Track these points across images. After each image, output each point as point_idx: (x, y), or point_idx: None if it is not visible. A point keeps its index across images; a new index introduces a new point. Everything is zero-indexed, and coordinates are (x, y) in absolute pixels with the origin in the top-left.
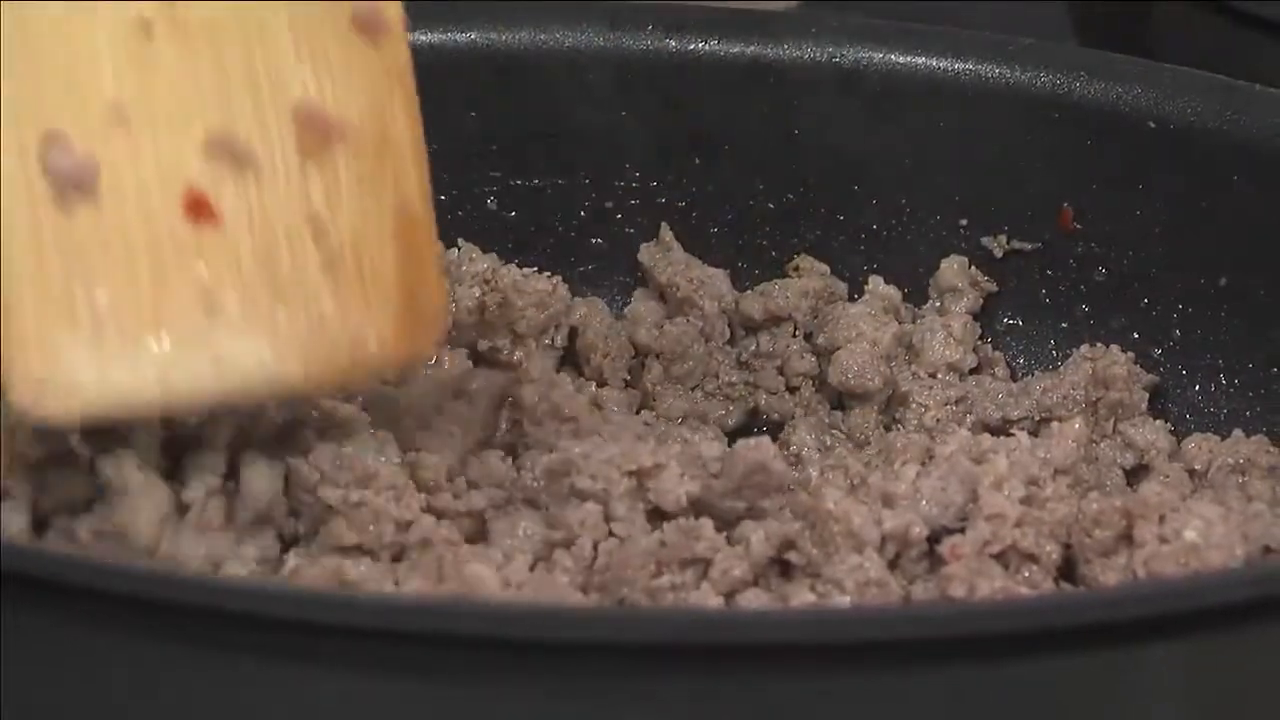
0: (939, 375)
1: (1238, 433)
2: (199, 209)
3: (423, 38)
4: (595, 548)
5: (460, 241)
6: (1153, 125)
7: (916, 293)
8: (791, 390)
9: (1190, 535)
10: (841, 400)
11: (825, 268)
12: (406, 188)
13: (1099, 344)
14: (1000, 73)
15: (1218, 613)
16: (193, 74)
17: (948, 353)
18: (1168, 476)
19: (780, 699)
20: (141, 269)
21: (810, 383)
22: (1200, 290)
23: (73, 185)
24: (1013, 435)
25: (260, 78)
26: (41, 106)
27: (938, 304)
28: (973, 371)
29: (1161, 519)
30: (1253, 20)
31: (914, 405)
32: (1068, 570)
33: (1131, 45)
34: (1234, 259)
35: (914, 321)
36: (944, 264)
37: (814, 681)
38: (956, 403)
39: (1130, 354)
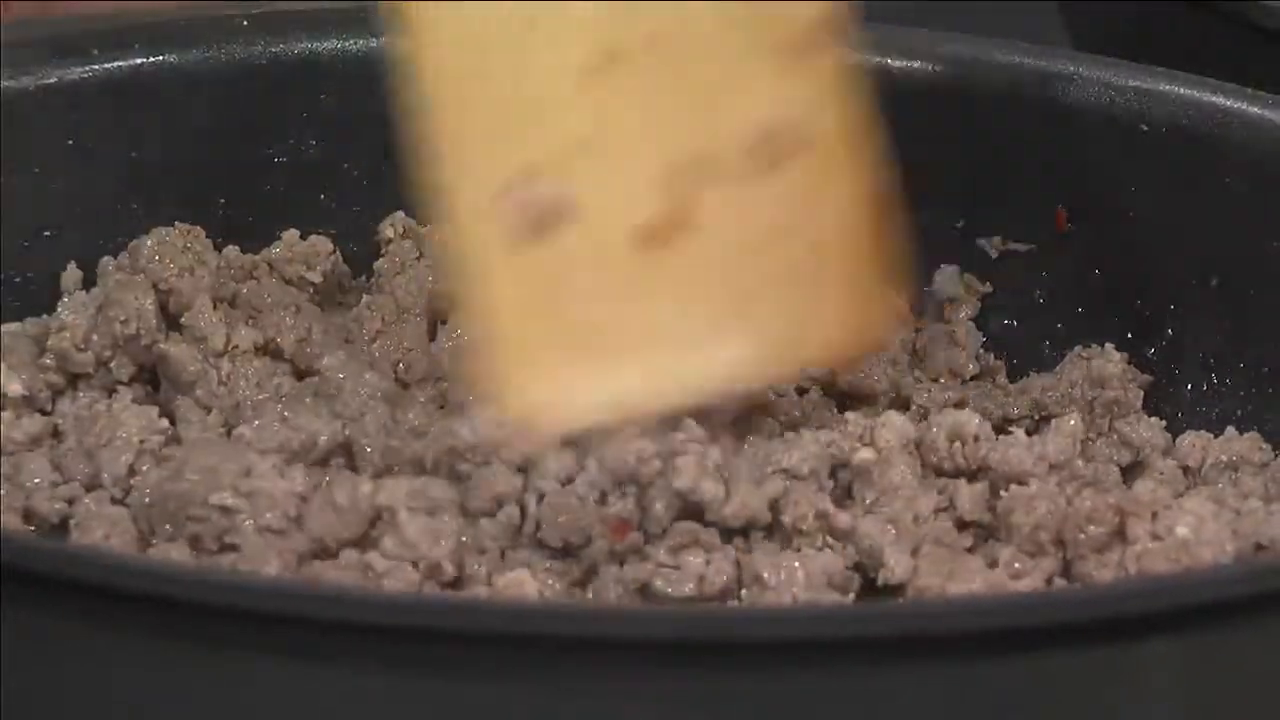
0: (941, 380)
1: (1230, 430)
2: (671, 226)
3: None
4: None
5: None
6: (1145, 128)
7: (913, 292)
8: (801, 392)
9: (1182, 532)
10: (846, 403)
11: None
12: (858, 188)
13: (1093, 344)
14: (994, 75)
15: (1211, 609)
16: (657, 97)
17: (951, 358)
18: (1162, 474)
19: (779, 695)
20: (622, 288)
21: (817, 386)
22: (1192, 290)
23: (547, 216)
24: (1010, 433)
25: (720, 99)
26: (512, 141)
27: (938, 313)
28: (974, 378)
29: (1154, 516)
30: (1243, 23)
31: (915, 407)
32: (1061, 567)
33: (1125, 47)
34: (1226, 260)
35: (916, 331)
36: (937, 275)
37: (810, 678)
38: (956, 405)
39: (1124, 354)
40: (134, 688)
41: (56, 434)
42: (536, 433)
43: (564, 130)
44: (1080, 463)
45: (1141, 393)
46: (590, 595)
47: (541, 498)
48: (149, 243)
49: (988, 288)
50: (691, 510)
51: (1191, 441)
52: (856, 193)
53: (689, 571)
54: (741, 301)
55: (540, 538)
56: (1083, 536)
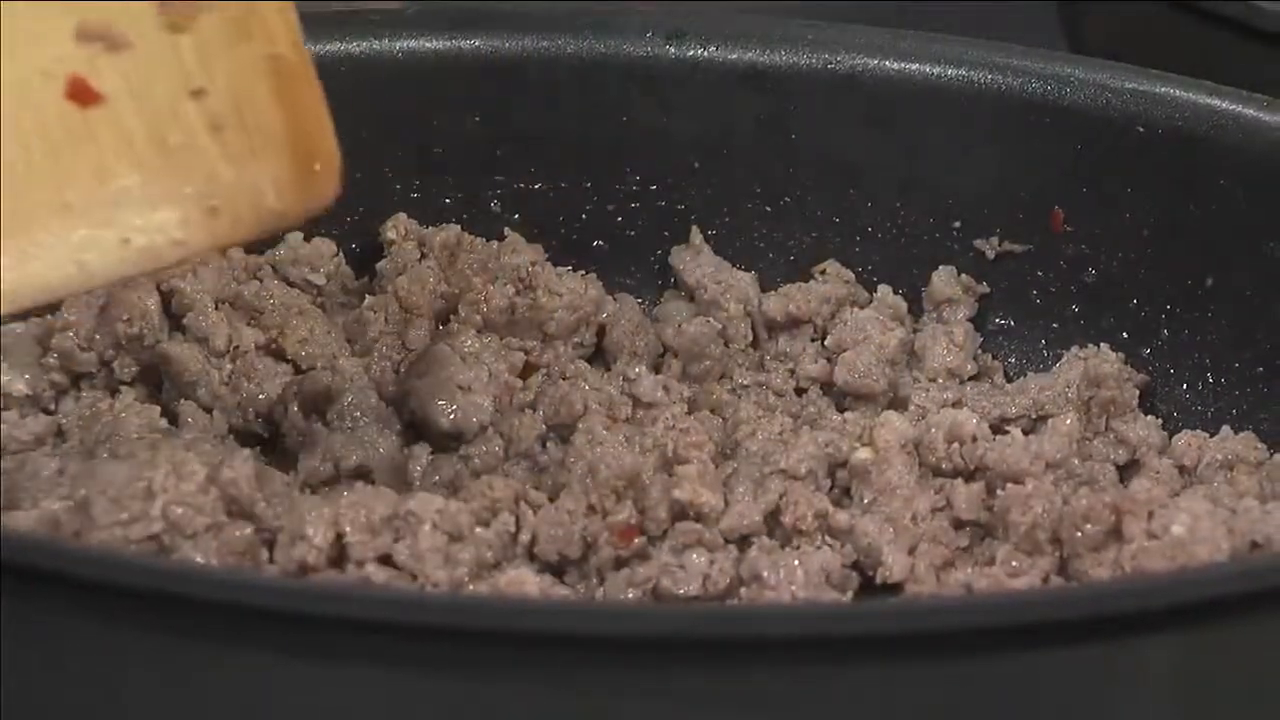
0: (939, 380)
1: (1226, 429)
2: (82, 93)
3: (429, 44)
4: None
5: (507, 232)
6: (1141, 129)
7: (911, 293)
8: (800, 392)
9: (1177, 530)
10: (844, 402)
11: (849, 274)
12: (274, 40)
13: (1090, 344)
14: (992, 78)
15: (1206, 607)
16: None
17: (949, 359)
18: (1158, 472)
19: (778, 692)
20: (39, 161)
21: (817, 386)
22: (1187, 291)
23: None
24: (1007, 433)
25: None
26: None
27: (935, 314)
28: (971, 379)
29: (1150, 515)
30: (1237, 25)
31: (912, 408)
32: (1058, 565)
33: (1120, 49)
34: (1220, 260)
35: (914, 332)
36: (935, 276)
37: (808, 674)
38: (954, 405)
39: (1120, 354)
40: (135, 685)
41: (60, 433)
42: None
43: None
44: (1077, 462)
45: (1137, 392)
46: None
47: (537, 510)
48: None
49: (985, 288)
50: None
51: (1187, 440)
52: (264, 51)
53: (693, 571)
54: (163, 168)
55: (535, 552)
56: (1079, 535)
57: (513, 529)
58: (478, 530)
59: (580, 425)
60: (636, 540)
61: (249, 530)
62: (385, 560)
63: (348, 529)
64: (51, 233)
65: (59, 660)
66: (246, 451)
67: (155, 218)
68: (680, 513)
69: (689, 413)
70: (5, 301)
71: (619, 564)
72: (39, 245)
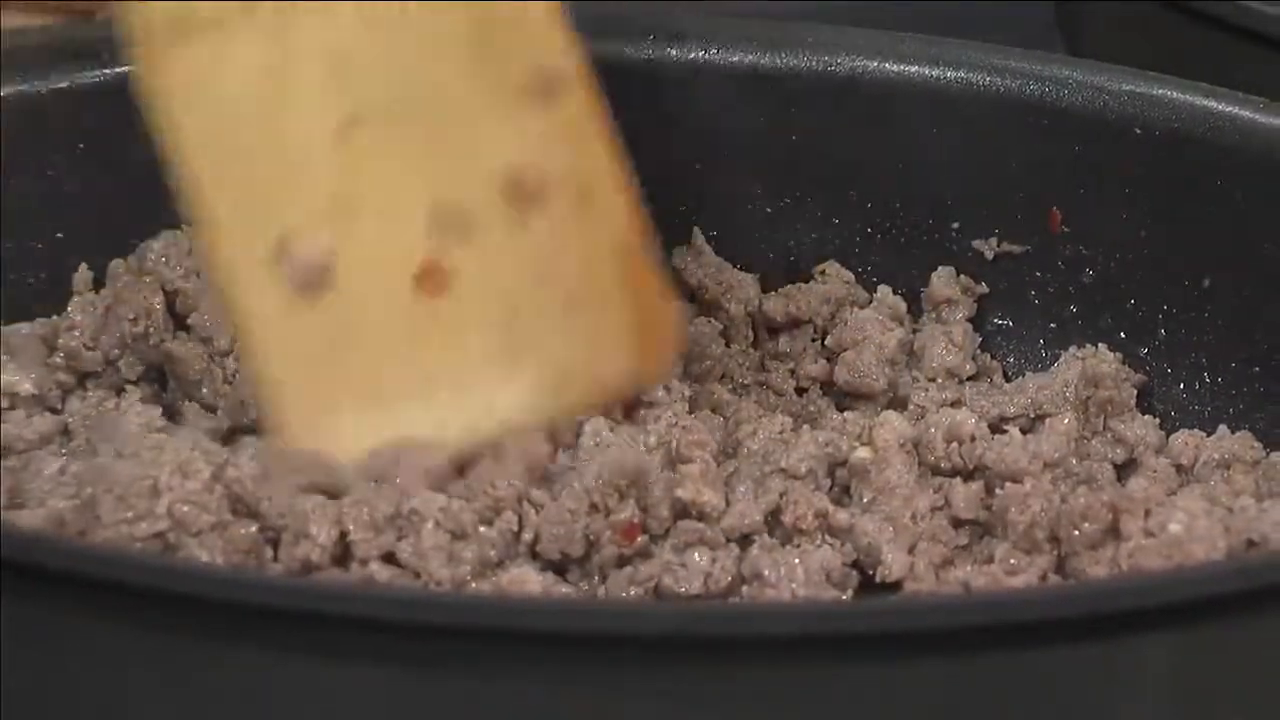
0: (938, 380)
1: (1222, 429)
2: (436, 279)
3: None
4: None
5: None
6: (1138, 131)
7: (910, 293)
8: (800, 392)
9: (1175, 529)
10: (845, 402)
11: (849, 274)
12: (618, 222)
13: (1087, 344)
14: (990, 81)
15: (1203, 605)
16: (404, 155)
17: (948, 359)
18: (1155, 471)
19: (778, 690)
20: (395, 340)
21: (817, 385)
22: (1185, 291)
23: (312, 277)
24: (1006, 432)
25: (465, 149)
26: (269, 213)
27: (934, 315)
28: (970, 378)
29: (1147, 513)
30: (1231, 27)
31: (912, 407)
32: (1056, 564)
33: (1117, 51)
34: (1217, 261)
35: (913, 332)
36: (934, 277)
37: (809, 672)
38: (952, 405)
39: (1118, 354)
40: (137, 683)
41: (66, 432)
42: (321, 460)
43: (319, 193)
44: (1074, 461)
45: (1135, 392)
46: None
47: (539, 508)
48: (157, 245)
49: (984, 288)
50: (689, 510)
51: (1184, 440)
52: (613, 231)
53: (695, 569)
54: (512, 344)
55: (538, 550)
56: (1077, 533)
57: (515, 528)
58: (481, 529)
59: (587, 427)
60: (639, 539)
61: (254, 529)
62: (389, 558)
63: (351, 527)
64: (402, 414)
65: (61, 658)
66: (251, 449)
67: (504, 395)
68: (682, 511)
69: (690, 412)
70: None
71: (621, 562)
72: (385, 425)
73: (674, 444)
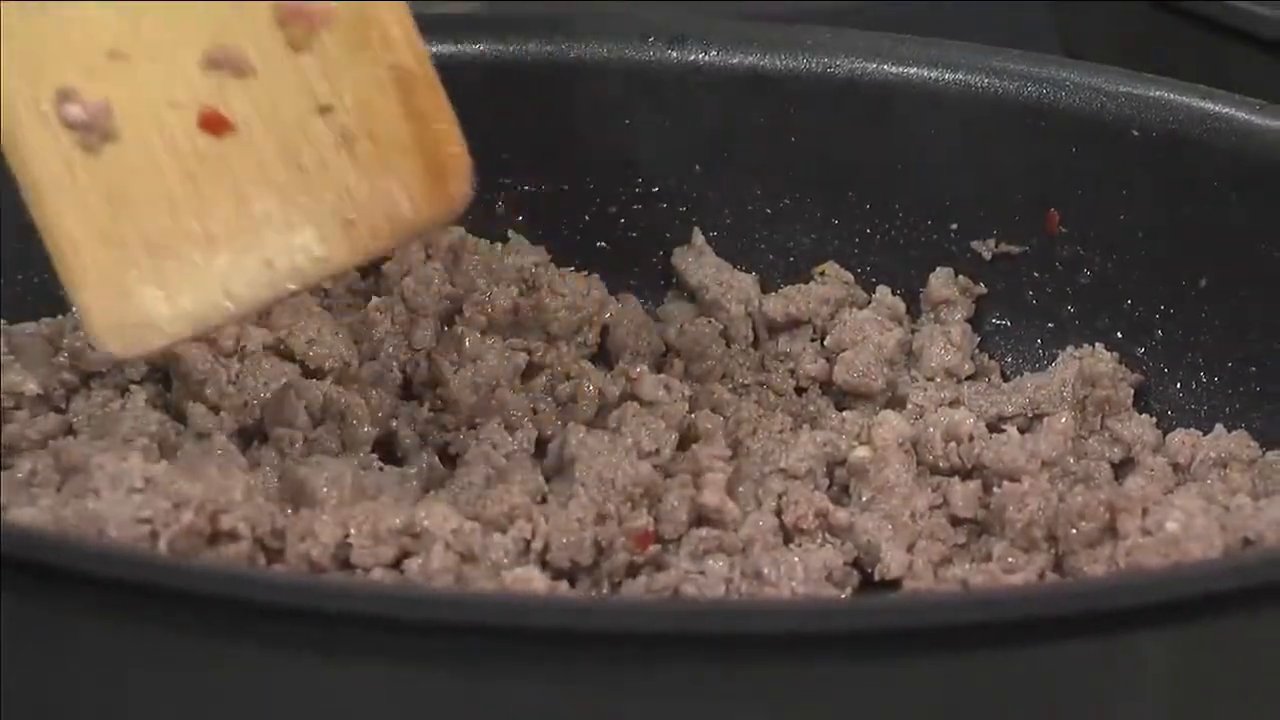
0: (936, 380)
1: (1219, 428)
2: (214, 123)
3: (435, 49)
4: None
5: (511, 234)
6: (1135, 132)
7: (909, 294)
8: (800, 392)
9: (1171, 527)
10: (844, 402)
11: (848, 275)
12: (395, 50)
13: (1085, 344)
14: (989, 82)
15: (1200, 602)
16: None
17: (947, 359)
18: (1152, 470)
19: (778, 686)
20: (179, 193)
21: (816, 385)
22: (1181, 291)
23: (92, 130)
24: (1004, 431)
25: None
26: (46, 68)
27: (933, 315)
28: (969, 378)
29: (1144, 512)
30: (1228, 29)
31: (910, 406)
32: (1054, 562)
33: (1114, 53)
34: (1214, 261)
35: (912, 332)
36: (932, 278)
37: (809, 669)
38: (951, 404)
39: (1115, 353)
40: (138, 681)
41: (71, 431)
42: (127, 354)
43: (95, 43)
44: (1072, 460)
45: (1132, 391)
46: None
47: (548, 517)
48: None
49: (982, 289)
50: (707, 519)
51: (1181, 439)
52: (392, 61)
53: (714, 576)
54: (299, 188)
55: (548, 559)
56: (1074, 532)
57: (528, 536)
58: (494, 536)
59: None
60: (652, 547)
61: (244, 545)
62: (394, 567)
63: (353, 532)
64: (198, 264)
65: (63, 656)
66: (244, 477)
67: (295, 238)
68: (698, 520)
69: (690, 412)
70: (157, 336)
71: (631, 570)
72: (186, 277)
73: (694, 457)
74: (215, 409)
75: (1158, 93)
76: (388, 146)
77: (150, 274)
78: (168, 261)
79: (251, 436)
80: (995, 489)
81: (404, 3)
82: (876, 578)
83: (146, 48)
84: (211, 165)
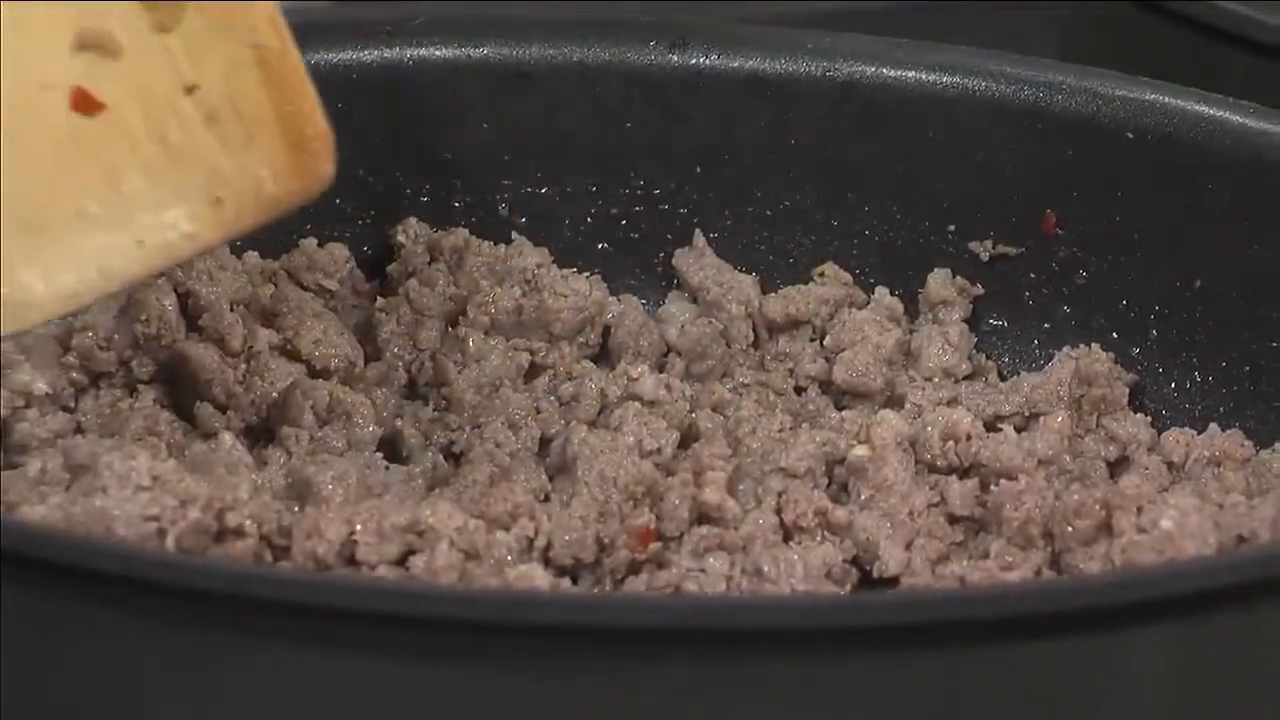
0: (934, 379)
1: (1213, 427)
2: (85, 103)
3: (439, 52)
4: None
5: (514, 235)
6: (1131, 135)
7: (907, 294)
8: (799, 391)
9: (1166, 525)
10: (843, 401)
11: (847, 276)
12: (258, 30)
13: (1081, 344)
14: (986, 86)
15: (1194, 599)
16: None
17: (945, 359)
18: (1147, 469)
19: (779, 682)
20: (53, 173)
21: (816, 385)
22: (1176, 292)
23: None
24: (1001, 430)
25: None
26: None
27: (931, 316)
28: (966, 378)
29: (1139, 510)
30: (1221, 33)
31: (909, 405)
32: (1050, 559)
33: (1110, 56)
34: (1208, 263)
35: (910, 332)
36: (930, 278)
37: (808, 664)
38: (949, 403)
39: (1110, 353)
40: (145, 678)
41: (80, 430)
42: (6, 330)
43: None
44: (1068, 458)
45: (1127, 391)
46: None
47: (550, 515)
48: None
49: (979, 290)
50: (708, 517)
51: (1176, 438)
52: (254, 40)
53: (715, 574)
54: (168, 166)
55: (550, 556)
56: (1070, 529)
57: (531, 534)
58: (497, 534)
59: (591, 437)
60: (653, 545)
61: (251, 542)
62: (399, 564)
63: (359, 529)
64: (73, 242)
65: (71, 653)
66: (250, 475)
67: (165, 215)
68: (699, 518)
69: (691, 411)
70: (37, 313)
71: (633, 567)
72: (62, 256)
73: (696, 456)
74: (223, 408)
75: (1153, 96)
76: (252, 124)
77: (28, 253)
78: (44, 240)
79: (258, 435)
80: (992, 487)
81: None
82: (875, 575)
83: (17, 29)
84: (84, 145)
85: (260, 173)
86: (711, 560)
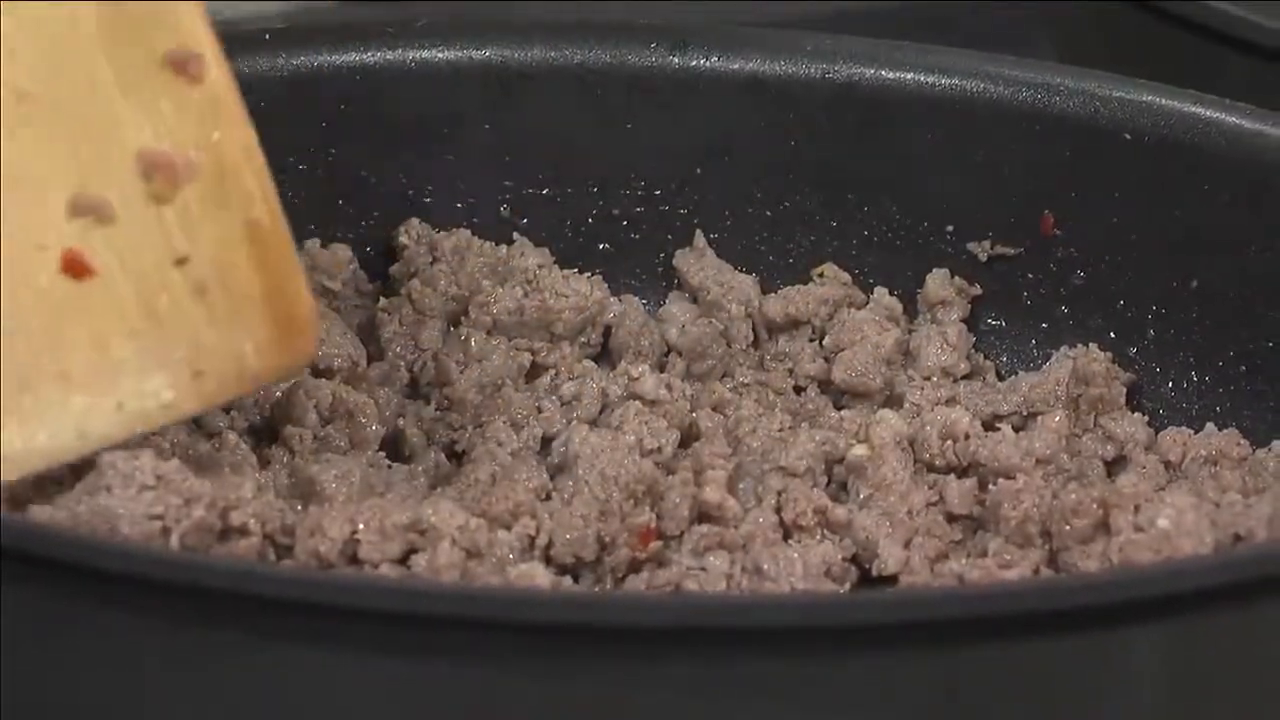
0: (933, 379)
1: (1210, 426)
2: (76, 267)
3: (441, 55)
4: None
5: (515, 236)
6: (1128, 137)
7: (906, 294)
8: (798, 391)
9: (1163, 524)
10: (842, 401)
11: (846, 276)
12: (251, 206)
13: (1078, 343)
14: (984, 87)
15: (1191, 597)
16: (42, 142)
17: (943, 358)
18: (1144, 468)
19: (778, 679)
20: (39, 334)
21: (815, 384)
22: (1173, 292)
23: None
24: (999, 429)
25: (101, 134)
26: None
27: (929, 316)
28: (964, 377)
29: (1136, 508)
30: (1220, 36)
31: (908, 405)
32: (1048, 557)
33: (1108, 58)
34: (1204, 263)
35: (909, 332)
36: (929, 279)
37: (805, 662)
38: (947, 403)
39: (1108, 353)
40: (146, 676)
41: None
42: None
43: None
44: (1066, 457)
45: (1125, 390)
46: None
47: (551, 513)
48: None
49: (977, 290)
50: (709, 516)
51: (1173, 437)
52: (246, 214)
53: (715, 572)
54: (154, 335)
55: (551, 554)
56: (1068, 528)
57: (532, 532)
58: (499, 533)
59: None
60: (654, 543)
61: (255, 541)
62: (402, 563)
63: (362, 528)
64: (55, 402)
65: (74, 652)
66: (254, 474)
67: (148, 383)
68: (699, 516)
69: (691, 410)
70: (10, 470)
71: (633, 566)
72: (43, 414)
73: (697, 455)
74: (227, 408)
75: (1150, 97)
76: (240, 299)
77: (11, 408)
78: (26, 397)
79: (262, 435)
80: (991, 486)
81: (260, 161)
82: (874, 573)
83: (14, 191)
84: (73, 308)
85: (244, 347)
86: (712, 558)
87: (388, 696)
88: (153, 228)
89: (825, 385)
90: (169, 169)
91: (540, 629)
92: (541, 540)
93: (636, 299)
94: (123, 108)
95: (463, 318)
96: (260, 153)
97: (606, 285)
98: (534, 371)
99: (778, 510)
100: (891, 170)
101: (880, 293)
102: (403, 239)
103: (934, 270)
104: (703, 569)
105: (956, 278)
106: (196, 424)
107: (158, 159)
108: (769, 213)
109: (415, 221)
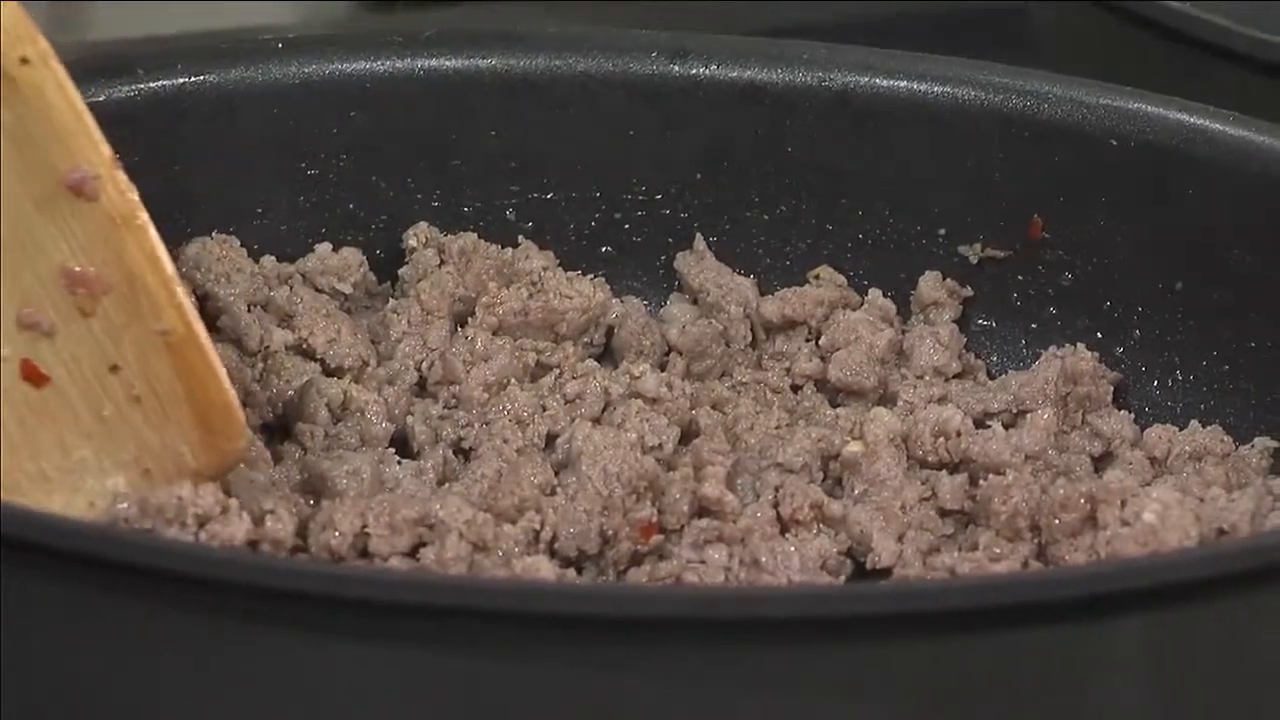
0: (925, 378)
1: (1194, 424)
2: (33, 375)
3: (449, 63)
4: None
5: (521, 239)
6: (1114, 143)
7: (899, 296)
8: (795, 389)
9: (1149, 518)
10: (837, 399)
11: (842, 278)
12: (160, 315)
13: (1067, 343)
14: (975, 95)
15: (1176, 590)
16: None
17: (935, 358)
18: (1131, 464)
19: (775, 669)
20: (16, 436)
21: (811, 383)
22: (1158, 294)
23: None
24: (989, 427)
25: (31, 253)
26: None
27: (922, 317)
28: (956, 376)
29: (1123, 503)
30: (1205, 45)
31: (901, 403)
32: (1037, 551)
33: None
34: (1189, 265)
35: (902, 332)
36: (921, 281)
37: (801, 652)
38: (939, 401)
39: (1095, 353)
40: (154, 665)
41: None
42: None
43: None
44: (1054, 454)
45: (1111, 388)
46: None
47: (556, 507)
48: (190, 251)
49: (968, 292)
50: (708, 510)
51: (1158, 434)
52: (160, 322)
53: (715, 565)
54: (105, 438)
55: (555, 547)
56: (1056, 522)
57: (537, 526)
58: (505, 527)
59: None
60: (655, 537)
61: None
62: (411, 556)
63: (372, 522)
64: (39, 502)
65: (81, 642)
66: (268, 470)
67: (108, 481)
68: (699, 511)
69: (691, 408)
70: None
71: (635, 559)
72: None
73: (696, 451)
74: (240, 405)
75: (1136, 105)
76: (168, 404)
77: None
78: (17, 498)
79: (274, 432)
80: (981, 482)
81: (167, 270)
82: (869, 566)
83: None
84: (38, 413)
85: (180, 448)
86: (711, 552)
87: (397, 685)
88: (87, 339)
89: (821, 384)
90: (85, 284)
91: (545, 620)
92: (546, 534)
93: (638, 300)
94: (40, 227)
95: (469, 318)
96: (168, 261)
97: (609, 287)
98: (539, 371)
99: (775, 505)
100: (885, 176)
101: (874, 294)
102: (411, 242)
103: (926, 273)
104: (702, 562)
105: (948, 280)
106: None
107: (75, 276)
108: (767, 217)
109: (423, 225)
